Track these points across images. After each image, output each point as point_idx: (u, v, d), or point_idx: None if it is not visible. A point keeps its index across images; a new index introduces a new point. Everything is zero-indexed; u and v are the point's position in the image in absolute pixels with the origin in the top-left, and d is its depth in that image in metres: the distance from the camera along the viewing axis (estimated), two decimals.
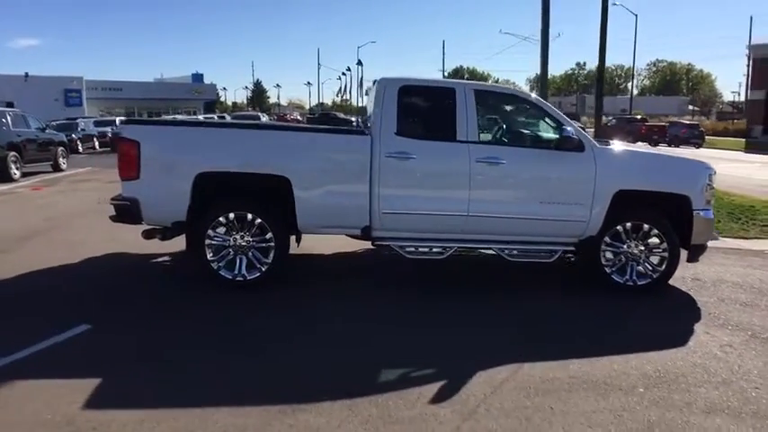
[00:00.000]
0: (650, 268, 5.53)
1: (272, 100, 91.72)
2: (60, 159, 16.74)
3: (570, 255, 5.69)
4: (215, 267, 5.20)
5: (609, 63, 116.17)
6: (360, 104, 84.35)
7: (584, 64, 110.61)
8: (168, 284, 5.56)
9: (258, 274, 5.22)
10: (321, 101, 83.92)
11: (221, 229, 5.17)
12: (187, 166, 5.09)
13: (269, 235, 5.17)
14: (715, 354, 4.14)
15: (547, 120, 5.56)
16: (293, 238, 5.61)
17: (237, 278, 5.21)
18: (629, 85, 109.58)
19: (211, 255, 5.19)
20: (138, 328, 4.43)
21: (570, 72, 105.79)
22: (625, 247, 5.49)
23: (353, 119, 60.70)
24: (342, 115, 60.97)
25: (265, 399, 3.33)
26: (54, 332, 4.17)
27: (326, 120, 55.55)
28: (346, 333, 4.43)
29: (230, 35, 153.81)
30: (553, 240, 5.49)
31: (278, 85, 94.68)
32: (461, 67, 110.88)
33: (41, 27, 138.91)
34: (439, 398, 3.42)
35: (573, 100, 74.86)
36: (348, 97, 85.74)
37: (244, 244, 5.19)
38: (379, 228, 5.28)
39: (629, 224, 5.45)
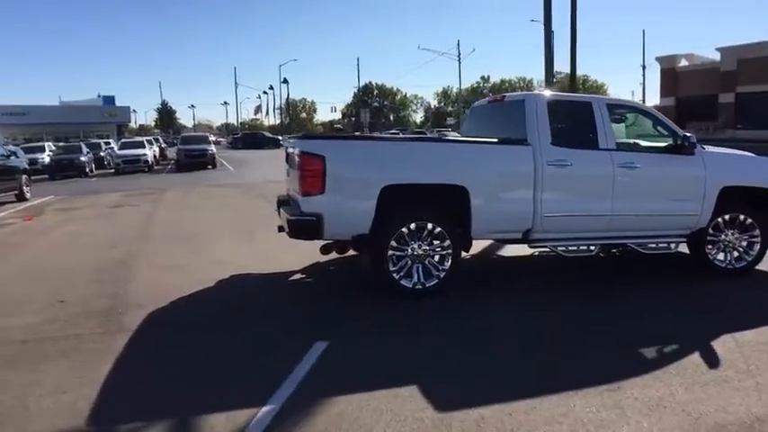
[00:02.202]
0: (743, 252, 6.42)
1: (186, 121, 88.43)
2: (25, 188, 15.56)
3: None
4: (396, 277, 5.42)
5: (512, 75, 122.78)
6: (273, 122, 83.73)
7: (489, 77, 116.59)
8: (339, 297, 5.63)
9: (436, 281, 5.50)
10: (240, 120, 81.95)
11: (402, 240, 5.40)
12: (373, 179, 5.29)
13: (447, 242, 5.48)
14: None
15: (659, 127, 6.33)
16: None
17: (417, 286, 5.45)
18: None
19: (392, 265, 5.41)
20: (372, 338, 4.58)
21: (476, 85, 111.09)
22: (723, 236, 6.36)
23: (280, 137, 59.95)
24: (269, 134, 60.46)
25: (580, 383, 3.68)
26: (301, 351, 4.19)
27: (254, 138, 55.03)
28: (558, 327, 4.86)
29: (137, 54, 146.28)
30: (672, 233, 6.23)
31: (192, 105, 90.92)
32: (370, 83, 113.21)
33: None
34: (711, 364, 3.97)
35: None
36: (260, 117, 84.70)
37: (421, 253, 5.46)
38: (540, 230, 5.75)
39: (727, 216, 6.32)
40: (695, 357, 4.11)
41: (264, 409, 3.37)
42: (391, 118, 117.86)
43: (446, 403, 3.43)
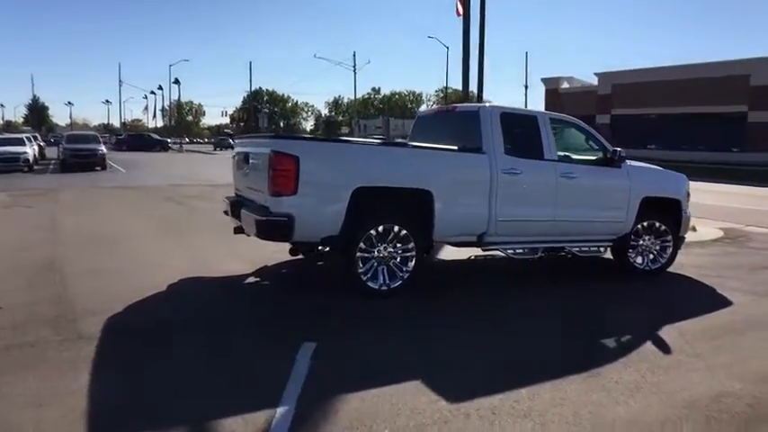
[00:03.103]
0: (657, 255, 7.23)
1: (60, 119, 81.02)
2: None
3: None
4: (364, 279, 5.50)
5: (401, 88, 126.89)
6: (157, 125, 79.38)
7: (379, 89, 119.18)
8: (306, 299, 5.60)
9: (400, 282, 5.64)
10: (122, 121, 76.53)
11: (370, 242, 5.49)
12: (345, 181, 5.32)
13: (411, 245, 5.64)
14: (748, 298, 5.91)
15: (591, 142, 6.97)
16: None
17: (382, 287, 5.56)
18: (421, 108, 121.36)
19: (360, 267, 5.47)
20: (356, 337, 4.63)
21: (367, 96, 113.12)
22: (641, 241, 7.14)
23: (169, 140, 56.98)
24: (157, 136, 57.22)
25: (563, 371, 4.01)
26: (291, 352, 4.13)
27: (141, 140, 51.81)
28: (524, 321, 5.22)
29: (5, 43, 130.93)
30: (602, 238, 6.88)
31: (70, 102, 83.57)
32: (260, 88, 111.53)
33: None
34: (665, 351, 4.49)
35: (378, 122, 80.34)
36: (144, 118, 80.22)
37: (386, 255, 5.59)
38: (493, 234, 6.10)
39: (645, 223, 7.10)
40: (650, 346, 4.62)
41: (279, 410, 3.31)
42: (281, 125, 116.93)
43: (454, 395, 3.57)
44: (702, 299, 6.18)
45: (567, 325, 5.19)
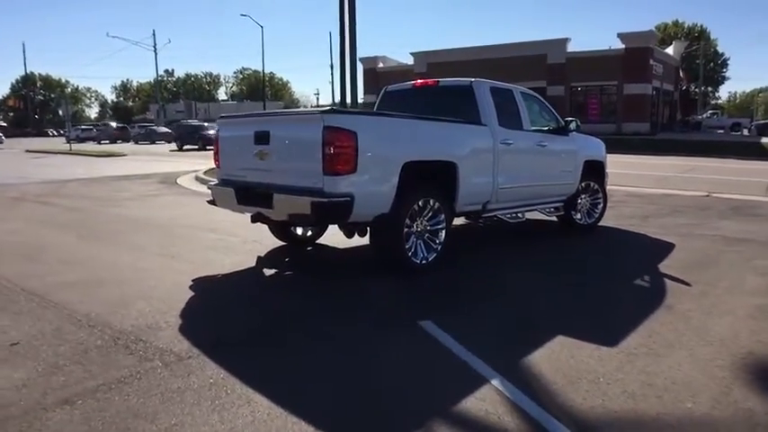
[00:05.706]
0: (591, 210, 8.40)
1: None
2: None
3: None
4: (409, 254, 5.56)
5: (198, 71, 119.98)
6: None
7: (173, 71, 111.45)
8: (356, 283, 5.47)
9: (435, 255, 5.80)
10: None
11: (412, 217, 5.54)
12: (396, 155, 5.27)
13: (442, 216, 5.82)
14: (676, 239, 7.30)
15: (544, 113, 7.77)
16: None
17: (423, 261, 5.69)
18: (219, 91, 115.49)
19: (405, 243, 5.51)
20: (456, 310, 4.70)
21: (160, 79, 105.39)
22: (580, 199, 8.23)
23: None
24: None
25: (644, 309, 4.67)
26: (421, 332, 4.16)
27: None
28: (572, 278, 5.81)
29: None
30: (559, 199, 7.79)
31: None
32: (32, 73, 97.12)
33: None
34: (686, 284, 5.41)
35: (179, 107, 75.42)
36: None
37: (421, 229, 5.71)
38: (494, 201, 6.55)
39: (583, 184, 8.19)
40: (671, 281, 5.46)
41: (494, 381, 3.35)
42: (60, 113, 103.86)
43: (603, 341, 3.92)
44: (652, 243, 7.37)
45: (588, 276, 5.90)
